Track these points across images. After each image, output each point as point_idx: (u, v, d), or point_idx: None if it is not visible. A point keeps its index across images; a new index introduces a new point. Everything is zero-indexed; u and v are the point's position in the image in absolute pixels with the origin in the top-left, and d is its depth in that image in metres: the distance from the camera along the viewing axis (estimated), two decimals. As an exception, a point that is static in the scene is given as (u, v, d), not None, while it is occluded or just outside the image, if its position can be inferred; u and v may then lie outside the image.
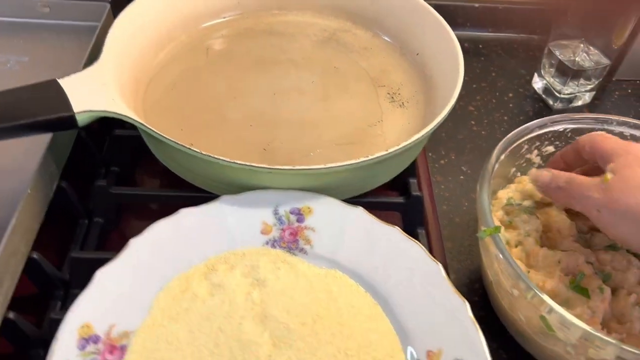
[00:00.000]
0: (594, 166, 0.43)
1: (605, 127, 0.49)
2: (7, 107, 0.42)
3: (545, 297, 0.38)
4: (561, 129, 0.49)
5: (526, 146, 0.49)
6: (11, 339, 0.41)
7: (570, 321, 0.37)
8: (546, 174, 0.43)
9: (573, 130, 0.49)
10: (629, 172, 0.38)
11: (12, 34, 0.59)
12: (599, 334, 0.36)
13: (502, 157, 0.46)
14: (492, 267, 0.43)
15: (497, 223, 0.44)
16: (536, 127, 0.48)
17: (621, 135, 0.50)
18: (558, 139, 0.50)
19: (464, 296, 0.42)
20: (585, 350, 0.38)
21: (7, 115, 0.42)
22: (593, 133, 0.44)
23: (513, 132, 0.47)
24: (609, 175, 0.39)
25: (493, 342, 0.48)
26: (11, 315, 0.40)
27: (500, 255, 0.40)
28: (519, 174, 0.51)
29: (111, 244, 0.52)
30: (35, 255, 0.44)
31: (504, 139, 0.47)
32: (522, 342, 0.45)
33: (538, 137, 0.49)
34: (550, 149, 0.50)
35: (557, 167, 0.46)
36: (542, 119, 0.49)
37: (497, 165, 0.45)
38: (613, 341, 0.35)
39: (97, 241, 0.50)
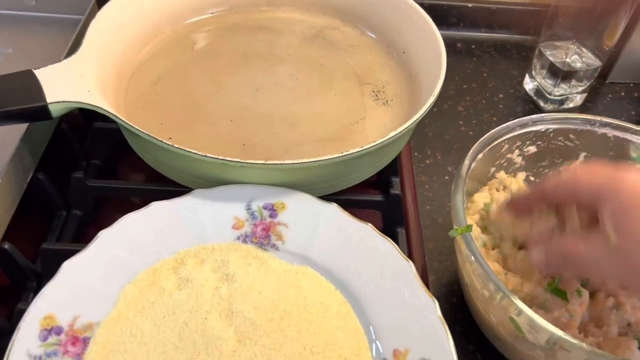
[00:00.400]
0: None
1: (588, 127, 0.48)
2: (-19, 96, 0.42)
3: (514, 299, 0.37)
4: (543, 129, 0.48)
5: (506, 145, 0.48)
6: (-22, 328, 0.41)
7: (539, 324, 0.36)
8: (536, 256, 0.39)
9: (555, 131, 0.48)
10: (632, 225, 0.34)
11: (-2, 26, 0.59)
12: (567, 338, 0.35)
13: (480, 156, 0.45)
14: (465, 268, 0.42)
15: (470, 222, 0.43)
16: (517, 126, 0.47)
17: (604, 137, 0.49)
18: (540, 139, 0.49)
19: (442, 297, 0.42)
20: (555, 354, 0.37)
21: (-20, 104, 0.42)
22: (559, 175, 0.40)
23: (492, 131, 0.47)
24: (612, 238, 0.35)
25: (469, 344, 0.47)
26: (-22, 305, 0.40)
27: (471, 256, 0.39)
28: (498, 173, 0.50)
29: (88, 237, 0.51)
30: (6, 246, 0.44)
31: (482, 138, 0.46)
32: (496, 344, 0.44)
33: (519, 136, 0.48)
34: (532, 149, 0.49)
35: (521, 207, 0.43)
36: (523, 118, 0.48)
37: (474, 164, 0.45)
38: (581, 344, 0.34)
39: (74, 234, 0.50)
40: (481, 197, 0.47)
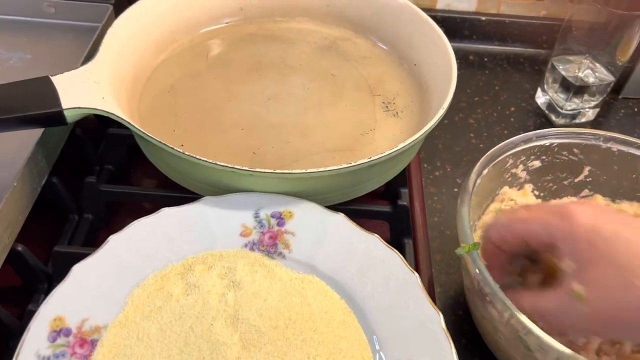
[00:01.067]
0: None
1: (593, 142, 0.48)
2: (0, 100, 0.43)
3: (523, 318, 0.36)
4: (547, 144, 0.48)
5: (511, 161, 0.48)
6: (-11, 327, 0.42)
7: (547, 343, 0.35)
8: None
9: (560, 145, 0.48)
10: (598, 273, 0.32)
11: (17, 31, 0.60)
12: (575, 356, 0.34)
13: (485, 171, 0.45)
14: (472, 286, 0.42)
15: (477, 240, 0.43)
16: (521, 141, 0.47)
17: (609, 152, 0.49)
18: (544, 154, 0.49)
19: (449, 309, 0.41)
20: None
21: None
22: (499, 223, 0.39)
23: (496, 147, 0.47)
24: (580, 291, 0.33)
25: (474, 357, 0.47)
26: (-10, 304, 0.41)
27: (479, 275, 0.39)
28: (502, 188, 0.50)
29: (99, 241, 0.52)
30: (19, 248, 0.45)
31: (487, 154, 0.46)
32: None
33: (523, 151, 0.48)
34: (537, 163, 0.49)
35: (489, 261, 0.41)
36: (528, 133, 0.48)
37: (479, 180, 0.45)
38: None
39: (85, 238, 0.51)
40: (488, 217, 0.47)
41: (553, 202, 0.50)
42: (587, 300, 0.33)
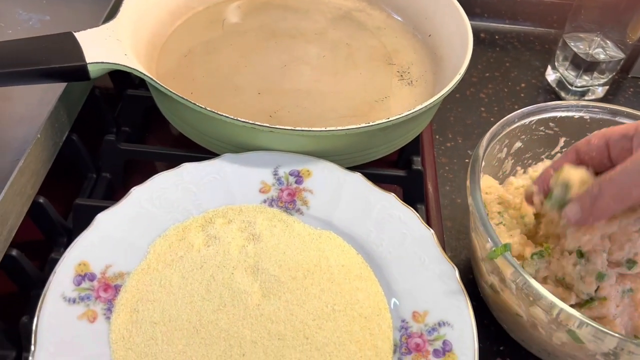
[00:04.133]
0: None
1: (566, 113, 0.49)
2: (25, 53, 0.44)
3: (574, 312, 0.35)
4: (527, 122, 0.49)
5: (497, 146, 0.48)
6: (13, 276, 0.43)
7: (605, 332, 0.35)
8: (571, 211, 0.38)
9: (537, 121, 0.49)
10: None
11: (36, -7, 0.61)
12: (635, 341, 0.34)
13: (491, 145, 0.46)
14: (499, 282, 0.41)
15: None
16: (505, 124, 0.48)
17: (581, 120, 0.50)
18: (524, 133, 0.50)
19: (459, 273, 0.42)
20: (617, 357, 0.36)
21: (24, 60, 0.43)
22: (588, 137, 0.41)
23: (508, 116, 0.48)
24: None
25: (484, 319, 0.48)
26: (14, 252, 0.42)
27: (522, 280, 0.37)
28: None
29: (117, 199, 0.53)
30: (41, 200, 0.46)
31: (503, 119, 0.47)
32: (534, 350, 0.44)
33: (507, 134, 0.48)
34: (518, 144, 0.50)
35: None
36: (541, 104, 0.49)
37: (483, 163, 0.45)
38: None
39: (103, 195, 0.52)
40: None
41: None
42: None
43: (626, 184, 0.35)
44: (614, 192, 0.36)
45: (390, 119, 0.45)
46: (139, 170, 0.56)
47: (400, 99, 0.56)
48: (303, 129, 0.44)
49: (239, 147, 0.47)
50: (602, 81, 0.68)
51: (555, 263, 0.41)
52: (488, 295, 0.45)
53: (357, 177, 0.46)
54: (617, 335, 0.35)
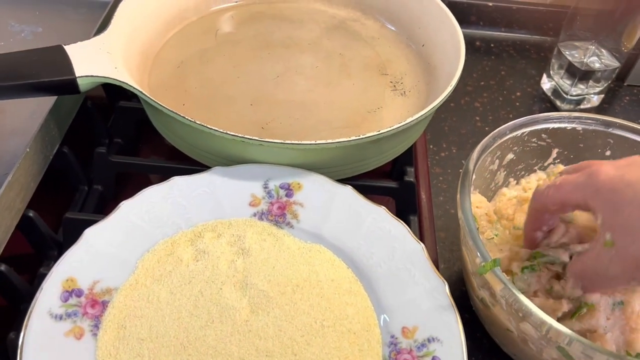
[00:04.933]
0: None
1: (558, 125, 0.49)
2: (14, 67, 0.44)
3: (563, 329, 0.35)
4: (519, 134, 0.49)
5: (489, 158, 0.48)
6: (1, 291, 0.43)
7: (594, 348, 0.34)
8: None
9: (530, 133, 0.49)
10: (624, 217, 0.33)
11: (28, 6, 0.61)
12: (625, 357, 0.34)
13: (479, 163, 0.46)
14: (489, 297, 0.41)
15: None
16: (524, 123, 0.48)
17: (613, 135, 0.49)
18: (516, 144, 0.49)
19: (452, 285, 0.41)
20: None
21: (13, 74, 0.43)
22: (540, 191, 0.40)
23: (499, 128, 0.47)
24: (609, 238, 0.34)
25: (477, 332, 0.48)
26: (2, 267, 0.42)
27: (508, 293, 0.37)
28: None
29: (108, 212, 0.53)
30: (31, 214, 0.45)
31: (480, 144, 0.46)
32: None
33: (499, 146, 0.48)
34: (510, 155, 0.50)
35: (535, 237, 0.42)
36: (533, 115, 0.49)
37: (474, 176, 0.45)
38: None
39: (94, 208, 0.52)
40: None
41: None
42: (615, 245, 0.33)
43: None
44: None
45: (382, 131, 0.45)
46: (132, 182, 0.56)
47: (393, 110, 0.56)
48: (293, 142, 0.44)
49: (229, 160, 0.47)
50: (597, 90, 0.68)
51: (544, 276, 0.41)
52: (479, 309, 0.44)
53: (348, 190, 0.45)
54: (606, 352, 0.34)
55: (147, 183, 0.57)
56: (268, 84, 0.57)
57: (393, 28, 0.64)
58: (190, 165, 0.50)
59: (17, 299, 0.44)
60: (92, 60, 0.46)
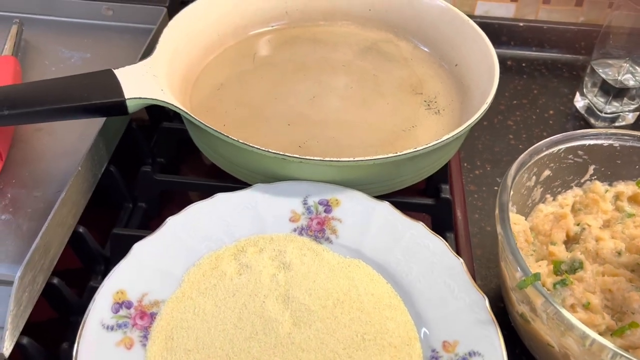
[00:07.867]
0: None
1: (594, 141, 0.49)
2: (68, 90, 0.46)
3: (607, 342, 0.35)
4: (555, 150, 0.49)
5: (526, 175, 0.48)
6: (53, 303, 0.45)
7: None
8: None
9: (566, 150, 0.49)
10: None
11: (78, 33, 0.64)
12: None
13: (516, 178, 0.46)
14: (529, 311, 0.41)
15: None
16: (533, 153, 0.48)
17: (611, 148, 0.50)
18: (552, 161, 0.50)
19: (490, 302, 0.41)
20: None
21: (67, 97, 0.46)
22: None
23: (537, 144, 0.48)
24: None
25: (516, 348, 0.48)
26: (55, 280, 0.44)
27: (549, 307, 0.37)
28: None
29: (152, 228, 0.55)
30: (81, 229, 0.47)
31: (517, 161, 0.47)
32: None
33: (535, 163, 0.48)
34: (547, 172, 0.50)
35: None
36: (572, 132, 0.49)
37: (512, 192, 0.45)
38: None
39: (139, 224, 0.54)
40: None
41: None
42: None
43: None
44: None
45: (418, 148, 0.46)
46: (173, 200, 0.58)
47: (428, 128, 0.57)
48: (332, 159, 0.45)
49: (269, 177, 0.49)
50: (632, 107, 0.68)
51: (578, 290, 0.41)
52: (519, 324, 0.44)
53: (386, 206, 0.46)
54: None
55: (189, 201, 0.58)
56: (304, 104, 0.58)
57: (426, 49, 0.65)
58: (231, 183, 0.52)
59: (67, 311, 0.45)
60: (140, 83, 0.48)
